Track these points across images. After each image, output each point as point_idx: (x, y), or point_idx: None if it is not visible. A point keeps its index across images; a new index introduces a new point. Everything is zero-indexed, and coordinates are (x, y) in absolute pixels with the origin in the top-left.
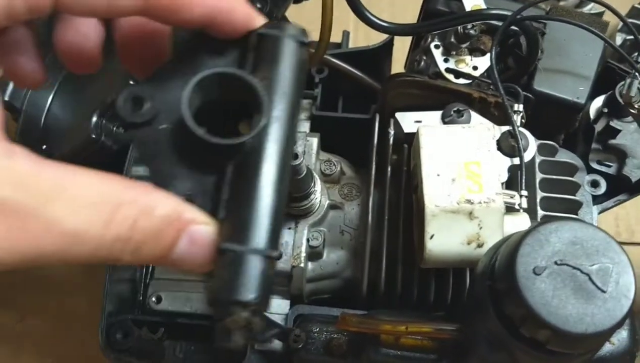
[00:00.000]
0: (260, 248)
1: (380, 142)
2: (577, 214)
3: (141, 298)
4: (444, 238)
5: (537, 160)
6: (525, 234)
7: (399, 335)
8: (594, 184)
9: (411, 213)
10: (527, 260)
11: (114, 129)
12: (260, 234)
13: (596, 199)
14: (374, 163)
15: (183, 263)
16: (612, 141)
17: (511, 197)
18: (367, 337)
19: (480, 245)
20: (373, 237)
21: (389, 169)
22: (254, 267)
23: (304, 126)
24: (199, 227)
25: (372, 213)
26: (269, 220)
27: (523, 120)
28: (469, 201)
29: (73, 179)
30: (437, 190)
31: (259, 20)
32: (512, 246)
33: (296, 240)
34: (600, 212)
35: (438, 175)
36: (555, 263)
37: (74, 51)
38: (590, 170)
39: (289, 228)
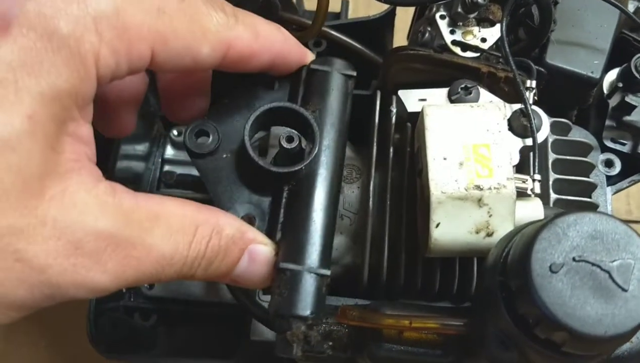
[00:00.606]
0: (314, 267)
1: (382, 121)
2: (590, 197)
3: None
4: (451, 227)
5: (550, 140)
6: (541, 227)
7: (402, 330)
8: (608, 164)
9: (415, 197)
10: (543, 257)
11: None
12: (313, 255)
13: (610, 179)
14: (375, 143)
15: (244, 280)
16: (627, 118)
17: (523, 182)
18: (368, 331)
19: (489, 234)
20: (374, 222)
21: (391, 150)
22: (310, 284)
23: None
24: (259, 247)
25: (373, 197)
26: (321, 241)
27: (535, 98)
28: (477, 187)
29: (162, 207)
30: (443, 175)
31: (310, 57)
32: (527, 240)
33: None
34: (614, 193)
35: (444, 158)
36: (574, 259)
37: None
38: (604, 149)
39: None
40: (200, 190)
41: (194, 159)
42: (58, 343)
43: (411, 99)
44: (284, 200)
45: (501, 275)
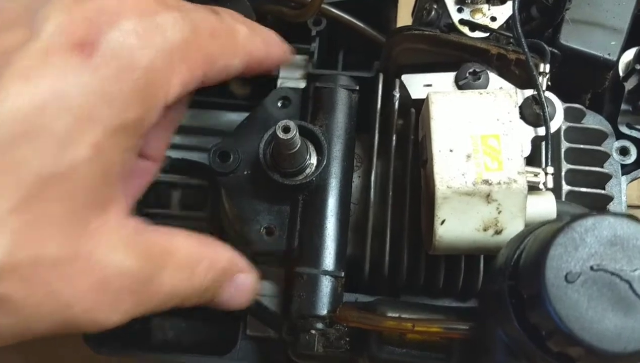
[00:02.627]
0: (329, 270)
1: (384, 106)
2: (604, 188)
3: None
4: (457, 224)
5: (563, 127)
6: (556, 232)
7: (404, 332)
8: (623, 151)
9: (418, 188)
10: (558, 265)
11: None
12: (328, 258)
13: (625, 168)
14: (377, 130)
15: (227, 306)
16: None
17: (535, 176)
18: (368, 332)
19: (498, 232)
20: (376, 213)
21: (394, 137)
22: (326, 286)
23: (300, 86)
24: (244, 276)
25: (374, 187)
26: (334, 245)
27: (549, 83)
28: (486, 181)
29: (172, 243)
30: (449, 168)
31: (289, 53)
32: (541, 245)
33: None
34: (629, 182)
35: (451, 150)
36: (591, 268)
37: None
38: (619, 135)
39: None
40: (195, 176)
41: (219, 178)
42: (47, 340)
43: (415, 84)
44: (299, 209)
45: (512, 280)
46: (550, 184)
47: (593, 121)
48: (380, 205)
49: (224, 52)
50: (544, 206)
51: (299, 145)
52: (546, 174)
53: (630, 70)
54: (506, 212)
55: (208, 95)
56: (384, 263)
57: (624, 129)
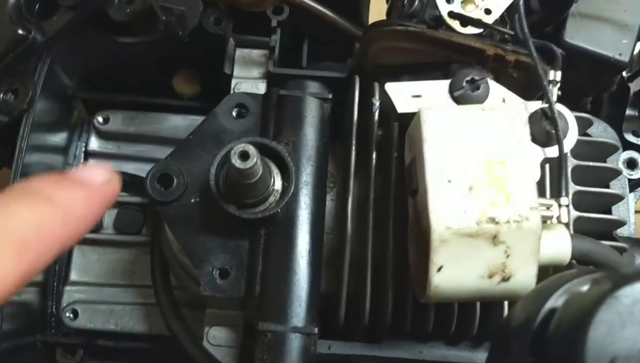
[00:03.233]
0: (299, 326)
1: (361, 113)
2: (611, 209)
3: (54, 310)
4: (457, 271)
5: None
6: (597, 305)
7: None
8: (631, 165)
9: (404, 213)
10: (602, 348)
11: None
12: (298, 311)
13: (632, 182)
14: (353, 146)
15: None
16: None
17: (547, 208)
18: None
19: (506, 279)
20: (354, 243)
21: (374, 154)
22: (295, 346)
23: (259, 88)
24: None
25: (351, 212)
26: (306, 294)
27: (559, 93)
28: (492, 220)
29: None
30: (447, 204)
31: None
32: (579, 320)
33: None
34: (637, 200)
35: (449, 181)
36: None
37: None
38: (624, 144)
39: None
40: (136, 193)
41: (159, 207)
42: None
43: (401, 94)
44: (261, 246)
45: (536, 356)
46: (565, 218)
47: (597, 130)
48: (358, 233)
49: None
50: (557, 245)
51: (260, 174)
52: (560, 205)
53: (638, 70)
54: (516, 255)
55: (147, 94)
56: (364, 305)
57: (630, 137)
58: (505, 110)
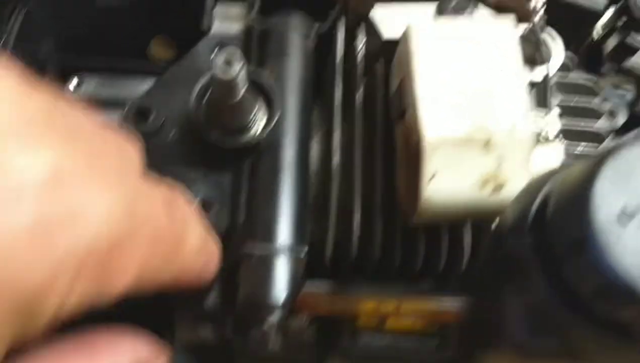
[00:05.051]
0: (286, 246)
1: (346, 59)
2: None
3: None
4: (449, 180)
5: (554, 79)
6: (600, 163)
7: (386, 316)
8: (611, 114)
9: (392, 153)
10: (608, 202)
11: None
12: (284, 232)
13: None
14: (338, 86)
15: None
16: (628, 63)
17: (536, 122)
18: (339, 322)
19: (498, 188)
20: (340, 183)
21: (361, 91)
22: (283, 266)
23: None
24: None
25: (338, 153)
26: (293, 217)
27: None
28: (484, 127)
29: None
30: (439, 113)
31: None
32: (581, 181)
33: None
34: None
35: (440, 91)
36: None
37: None
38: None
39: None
40: None
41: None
42: None
43: (386, 21)
44: (245, 175)
45: (534, 235)
46: (551, 135)
47: (579, 76)
48: (345, 174)
49: (159, 267)
50: (548, 160)
51: (243, 90)
52: (546, 118)
53: (610, 29)
54: (508, 163)
55: (122, 58)
56: (351, 240)
57: (609, 91)
58: (497, 21)
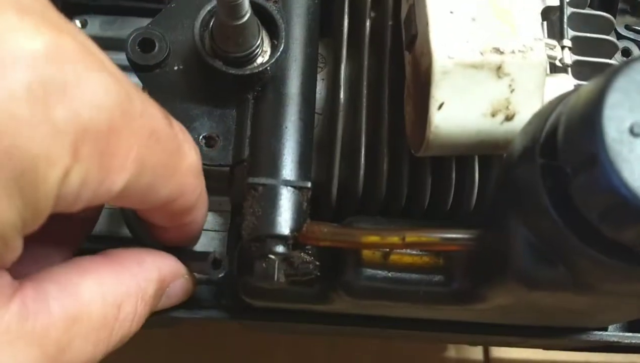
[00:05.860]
0: (291, 179)
1: None
2: None
3: None
4: (459, 108)
5: (567, 12)
6: (612, 76)
7: (391, 248)
8: (625, 53)
9: (400, 90)
10: (619, 114)
11: None
12: (290, 166)
13: None
14: (345, 20)
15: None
16: None
17: (551, 48)
18: (342, 255)
19: (509, 118)
20: (346, 122)
21: (368, 24)
22: (287, 199)
23: None
24: (176, 283)
25: (344, 90)
26: (298, 148)
27: None
28: (496, 50)
29: (79, 304)
30: (450, 35)
31: None
32: (592, 95)
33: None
34: None
35: (451, 12)
36: None
37: None
38: (618, 37)
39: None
40: None
41: (140, 73)
42: None
43: None
44: (249, 111)
45: (545, 159)
46: (568, 60)
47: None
48: (351, 112)
49: (158, 171)
50: (563, 87)
51: (248, 14)
52: (563, 47)
53: None
54: (520, 90)
55: None
56: (357, 178)
57: (623, 31)
58: None
